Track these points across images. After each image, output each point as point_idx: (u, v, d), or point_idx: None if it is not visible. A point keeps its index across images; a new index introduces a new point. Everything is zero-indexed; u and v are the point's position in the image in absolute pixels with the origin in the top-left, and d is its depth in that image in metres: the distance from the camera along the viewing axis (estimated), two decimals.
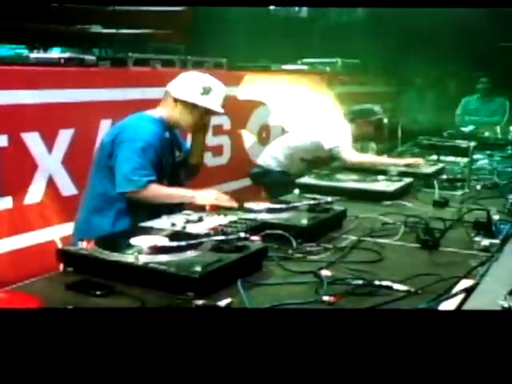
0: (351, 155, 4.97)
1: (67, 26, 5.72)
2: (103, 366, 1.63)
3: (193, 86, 3.31)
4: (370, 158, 5.14)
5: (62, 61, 4.29)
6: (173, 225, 2.81)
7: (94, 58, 4.59)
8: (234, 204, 3.18)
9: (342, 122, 5.23)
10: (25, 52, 4.45)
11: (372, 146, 5.71)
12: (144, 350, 1.66)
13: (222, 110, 3.40)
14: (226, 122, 5.95)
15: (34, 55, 4.18)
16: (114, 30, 5.87)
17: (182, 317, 1.78)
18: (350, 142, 5.05)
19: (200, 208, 3.14)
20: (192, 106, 3.31)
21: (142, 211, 3.15)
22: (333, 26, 9.27)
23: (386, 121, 5.31)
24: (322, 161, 5.22)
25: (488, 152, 5.80)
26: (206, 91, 3.29)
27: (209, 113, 3.39)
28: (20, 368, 1.60)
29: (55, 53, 4.31)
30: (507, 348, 1.69)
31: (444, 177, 4.61)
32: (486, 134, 7.17)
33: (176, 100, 3.31)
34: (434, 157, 5.11)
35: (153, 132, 3.22)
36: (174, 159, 3.44)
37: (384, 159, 5.06)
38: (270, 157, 5.48)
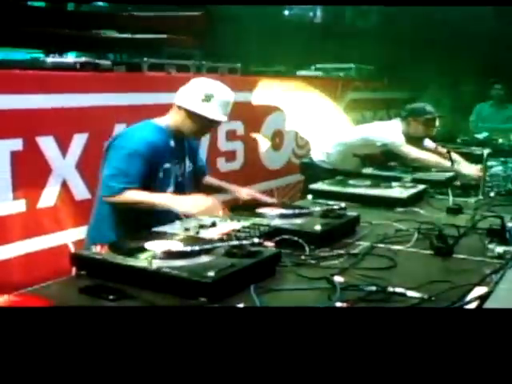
0: (410, 150, 5.01)
1: (82, 31, 5.74)
2: (111, 365, 1.63)
3: (195, 92, 3.24)
4: (431, 155, 5.10)
5: (78, 65, 4.31)
6: (186, 230, 2.81)
7: (109, 62, 4.60)
8: (221, 212, 3.11)
9: (389, 121, 5.28)
10: (41, 56, 4.47)
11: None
12: (151, 350, 1.66)
13: (221, 118, 3.30)
14: (239, 128, 5.95)
15: (50, 59, 4.19)
16: (128, 35, 5.87)
17: (190, 316, 1.77)
18: (403, 138, 5.08)
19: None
20: (193, 114, 3.24)
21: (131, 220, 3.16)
22: (347, 31, 9.26)
23: (437, 122, 5.28)
24: (376, 157, 5.22)
25: (502, 159, 5.76)
26: (208, 98, 3.21)
27: (212, 121, 3.30)
28: (27, 368, 1.60)
29: (70, 57, 4.31)
30: None
31: (458, 183, 4.59)
32: (500, 140, 7.13)
33: (179, 107, 3.28)
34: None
35: (145, 140, 3.16)
36: (185, 169, 3.41)
37: (443, 161, 5.02)
38: (321, 152, 5.56)
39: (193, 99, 3.23)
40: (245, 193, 3.67)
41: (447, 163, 4.92)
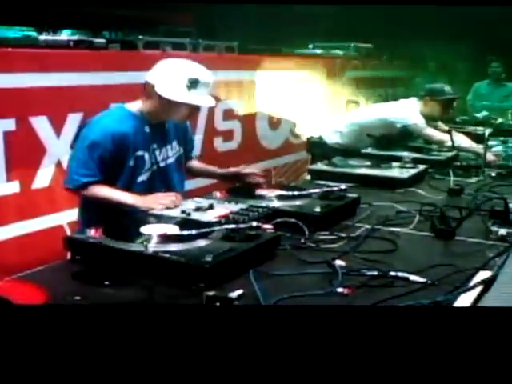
0: (436, 132, 5.00)
1: (77, 8, 5.66)
2: (107, 362, 1.58)
3: (178, 80, 2.96)
4: (457, 137, 5.04)
5: (72, 43, 4.23)
6: (183, 212, 2.75)
7: (103, 40, 4.52)
8: (178, 203, 2.91)
9: (407, 100, 5.23)
10: (34, 34, 4.39)
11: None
12: (149, 346, 1.61)
13: (212, 103, 3.13)
14: (236, 107, 5.87)
15: (43, 37, 4.11)
16: (124, 12, 5.80)
17: (189, 312, 1.72)
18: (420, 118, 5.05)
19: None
20: (179, 103, 3.00)
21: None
22: (345, 8, 9.15)
23: (455, 103, 5.24)
24: (393, 137, 5.15)
25: (502, 138, 5.71)
26: (194, 84, 2.96)
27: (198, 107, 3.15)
28: (22, 364, 1.55)
29: (64, 35, 4.22)
30: None
31: (458, 164, 4.54)
32: (499, 120, 7.06)
33: (161, 97, 3.00)
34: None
35: (107, 131, 2.95)
36: (167, 154, 3.20)
37: (466, 143, 4.98)
38: (332, 131, 5.53)
39: (177, 88, 2.96)
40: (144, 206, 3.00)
41: (472, 144, 4.87)
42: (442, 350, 1.61)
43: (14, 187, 3.88)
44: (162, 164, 3.17)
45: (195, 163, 3.56)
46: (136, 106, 3.09)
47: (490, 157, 4.64)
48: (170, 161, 3.22)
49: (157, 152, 3.13)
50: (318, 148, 5.59)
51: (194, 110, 3.13)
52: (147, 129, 3.07)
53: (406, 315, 1.73)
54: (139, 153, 3.04)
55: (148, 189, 3.07)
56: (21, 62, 3.85)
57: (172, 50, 5.07)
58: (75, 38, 4.27)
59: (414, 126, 5.05)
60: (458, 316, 1.75)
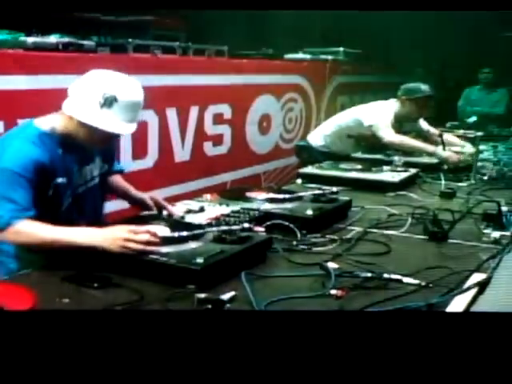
0: (388, 134, 4.91)
1: (66, 13, 5.62)
2: (96, 368, 1.55)
3: (90, 96, 2.41)
4: (408, 140, 5.00)
5: (60, 46, 4.18)
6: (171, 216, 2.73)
7: (93, 43, 4.48)
8: (152, 239, 2.25)
9: (384, 101, 5.22)
10: (21, 35, 4.35)
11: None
12: (139, 351, 1.58)
13: (125, 131, 2.49)
14: (226, 111, 5.85)
15: (32, 39, 4.06)
16: (113, 17, 5.77)
17: (182, 318, 1.69)
18: (390, 120, 5.00)
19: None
20: (89, 124, 2.44)
21: None
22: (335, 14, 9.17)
23: (431, 101, 5.19)
24: (368, 138, 5.13)
25: (492, 143, 5.72)
26: (108, 102, 2.40)
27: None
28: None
29: (53, 38, 4.18)
30: None
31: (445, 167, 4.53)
32: (489, 126, 7.06)
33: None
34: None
35: (27, 156, 2.39)
36: (90, 175, 2.70)
37: (422, 145, 4.94)
38: (319, 134, 5.54)
39: (87, 106, 2.42)
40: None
41: (428, 148, 4.85)
42: (436, 355, 1.59)
43: None
44: (80, 189, 2.67)
45: (116, 179, 3.03)
46: (48, 123, 2.54)
47: (453, 156, 4.67)
48: (95, 182, 2.74)
49: (75, 176, 2.62)
50: (305, 152, 5.59)
51: (110, 136, 2.53)
52: (60, 151, 2.52)
53: (399, 320, 1.70)
54: (58, 180, 2.52)
55: (71, 217, 2.59)
56: (9, 64, 3.81)
57: (162, 53, 5.05)
58: (64, 40, 4.21)
59: (374, 127, 4.99)
60: (451, 321, 1.73)
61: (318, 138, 5.53)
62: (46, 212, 2.42)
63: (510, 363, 1.55)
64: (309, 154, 5.41)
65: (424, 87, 5.11)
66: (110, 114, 2.41)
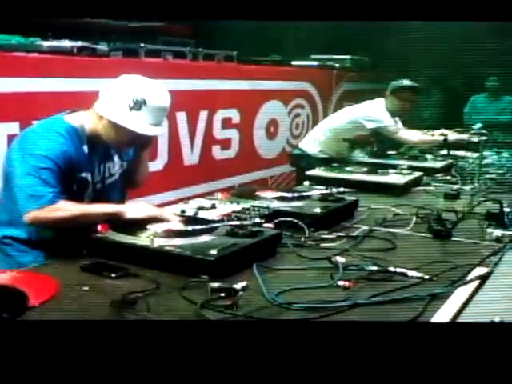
0: (401, 132, 5.04)
1: (77, 19, 5.71)
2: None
3: (121, 98, 2.55)
4: (418, 135, 5.11)
5: (75, 50, 4.29)
6: (183, 212, 2.81)
7: (106, 48, 4.59)
8: (175, 218, 2.59)
9: (374, 100, 5.26)
10: (37, 40, 4.45)
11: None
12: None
13: (153, 132, 2.65)
14: (235, 116, 5.94)
15: (47, 43, 4.17)
16: (124, 23, 5.87)
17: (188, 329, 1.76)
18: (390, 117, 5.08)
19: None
20: (117, 124, 2.58)
21: None
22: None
23: (416, 96, 5.25)
24: (366, 140, 5.20)
25: (496, 149, 5.77)
26: (138, 105, 2.54)
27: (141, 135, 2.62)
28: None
29: (68, 42, 4.29)
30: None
31: (453, 171, 4.60)
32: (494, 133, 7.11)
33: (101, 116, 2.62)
34: (444, 151, 5.08)
35: (57, 148, 2.53)
36: (109, 172, 2.80)
37: (427, 137, 5.07)
38: (313, 140, 5.50)
39: (117, 107, 2.56)
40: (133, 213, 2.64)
41: (428, 138, 4.99)
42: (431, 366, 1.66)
43: None
44: (104, 183, 2.78)
45: None
46: (78, 119, 2.67)
47: (417, 136, 4.86)
48: (114, 179, 2.84)
49: (97, 171, 2.73)
50: (303, 160, 5.50)
51: (137, 138, 2.65)
52: (85, 149, 2.65)
53: (396, 331, 1.77)
54: (83, 174, 2.65)
55: None
56: (25, 67, 3.92)
57: (173, 58, 5.14)
58: (78, 44, 4.32)
59: (384, 128, 5.07)
60: (438, 332, 1.80)
61: (312, 144, 5.49)
62: None
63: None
64: (307, 162, 5.31)
65: (407, 82, 5.18)
66: (138, 116, 2.55)
